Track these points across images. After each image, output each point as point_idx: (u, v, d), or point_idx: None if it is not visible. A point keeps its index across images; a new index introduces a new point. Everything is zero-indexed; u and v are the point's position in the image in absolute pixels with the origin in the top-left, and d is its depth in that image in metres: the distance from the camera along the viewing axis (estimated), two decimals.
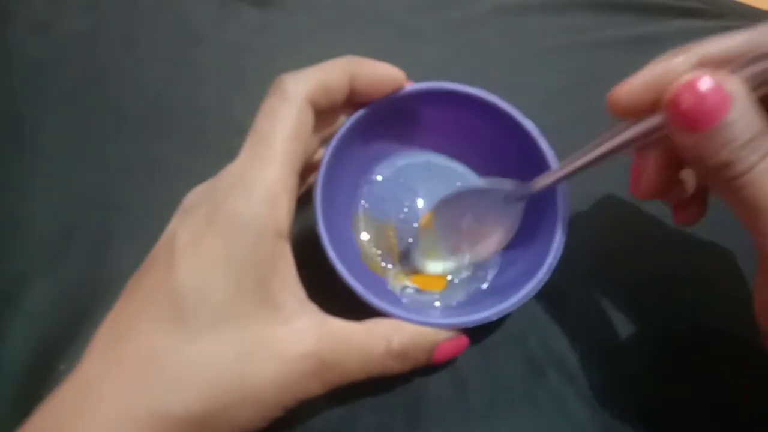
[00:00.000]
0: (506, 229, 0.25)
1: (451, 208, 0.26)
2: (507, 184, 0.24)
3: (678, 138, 0.19)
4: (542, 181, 0.23)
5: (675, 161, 0.22)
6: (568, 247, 0.23)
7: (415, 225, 0.27)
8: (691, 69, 0.19)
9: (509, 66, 0.35)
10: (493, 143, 0.26)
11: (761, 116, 0.18)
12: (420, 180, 0.28)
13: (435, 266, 0.26)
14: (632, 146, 0.20)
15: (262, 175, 0.19)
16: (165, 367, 0.17)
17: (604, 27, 0.37)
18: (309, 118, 0.21)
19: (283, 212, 0.20)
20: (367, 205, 0.27)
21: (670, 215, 0.26)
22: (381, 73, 0.23)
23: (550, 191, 0.24)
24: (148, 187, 0.29)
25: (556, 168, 0.23)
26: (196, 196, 0.21)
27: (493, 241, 0.25)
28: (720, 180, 0.18)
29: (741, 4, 0.38)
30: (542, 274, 0.22)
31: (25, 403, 0.23)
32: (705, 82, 0.17)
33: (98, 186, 0.30)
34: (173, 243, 0.19)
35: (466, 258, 0.26)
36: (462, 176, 0.28)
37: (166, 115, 0.32)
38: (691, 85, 0.18)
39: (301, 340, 0.19)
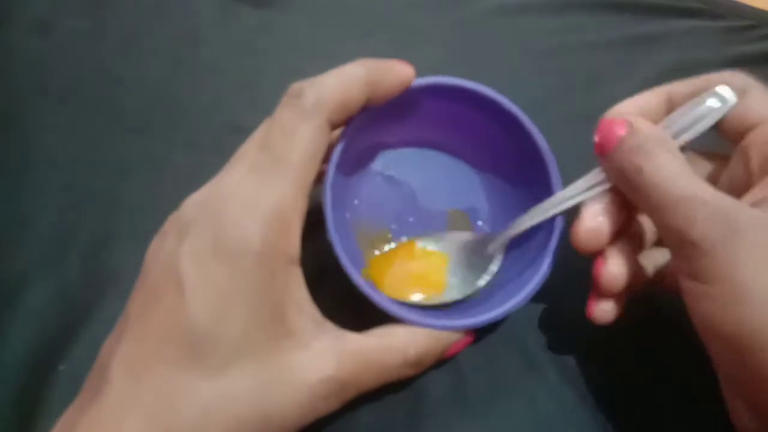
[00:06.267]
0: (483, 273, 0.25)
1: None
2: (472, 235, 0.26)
3: (607, 171, 0.22)
4: (506, 235, 0.25)
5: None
6: (569, 248, 0.23)
7: (411, 220, 0.27)
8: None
9: (509, 66, 0.35)
10: (491, 139, 0.26)
11: (656, 130, 0.21)
12: (417, 176, 0.28)
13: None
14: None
15: (276, 200, 0.18)
16: (187, 407, 0.17)
17: (604, 27, 0.37)
18: (326, 138, 0.20)
19: (295, 238, 0.19)
20: (364, 203, 0.27)
21: None
22: (397, 78, 0.22)
23: (548, 191, 0.24)
24: (148, 187, 0.29)
25: (510, 228, 0.25)
26: (194, 208, 0.19)
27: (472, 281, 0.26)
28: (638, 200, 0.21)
29: (741, 4, 0.38)
30: (544, 273, 0.23)
31: (25, 404, 0.23)
32: (606, 120, 0.22)
33: (98, 186, 0.29)
34: (179, 272, 0.18)
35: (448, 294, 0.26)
36: (459, 172, 0.28)
37: (166, 115, 0.32)
38: (601, 125, 0.22)
39: (320, 364, 0.19)
